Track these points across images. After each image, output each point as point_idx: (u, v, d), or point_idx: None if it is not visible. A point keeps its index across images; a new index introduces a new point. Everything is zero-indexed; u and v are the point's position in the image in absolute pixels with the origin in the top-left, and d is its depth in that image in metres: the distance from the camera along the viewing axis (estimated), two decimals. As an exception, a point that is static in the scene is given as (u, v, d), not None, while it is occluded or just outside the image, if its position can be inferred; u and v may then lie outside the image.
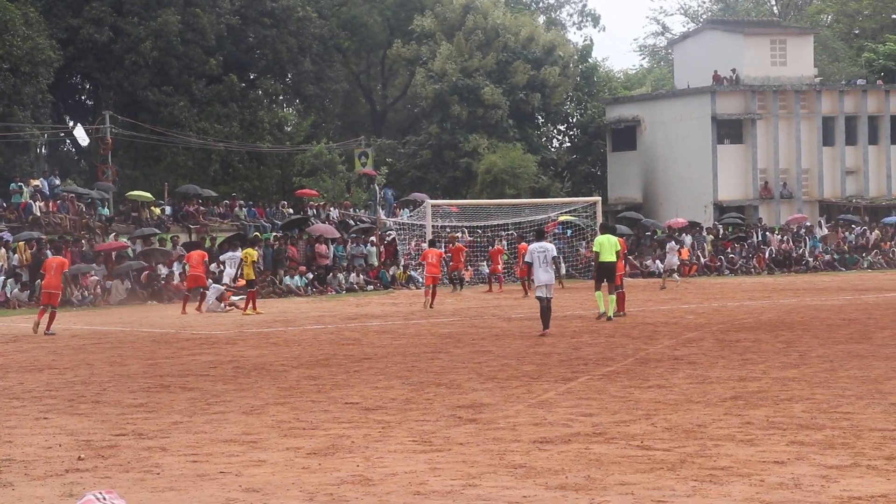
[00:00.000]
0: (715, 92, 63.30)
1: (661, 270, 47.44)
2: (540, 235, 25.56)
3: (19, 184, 44.97)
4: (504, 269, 46.04)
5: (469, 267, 47.80)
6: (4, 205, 44.24)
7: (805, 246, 57.47)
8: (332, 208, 53.93)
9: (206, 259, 35.63)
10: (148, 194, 48.88)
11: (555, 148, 73.75)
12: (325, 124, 71.23)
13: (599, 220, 47.58)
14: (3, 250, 39.55)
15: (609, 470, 10.08)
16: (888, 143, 66.16)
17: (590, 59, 74.47)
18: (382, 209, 54.19)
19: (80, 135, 53.18)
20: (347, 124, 75.54)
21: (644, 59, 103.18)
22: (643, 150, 67.12)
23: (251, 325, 28.41)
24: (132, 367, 19.27)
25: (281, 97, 68.51)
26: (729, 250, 55.46)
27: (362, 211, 55.88)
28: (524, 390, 15.30)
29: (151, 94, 57.21)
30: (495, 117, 64.67)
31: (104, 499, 3.90)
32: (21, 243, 39.91)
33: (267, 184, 61.33)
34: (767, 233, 58.14)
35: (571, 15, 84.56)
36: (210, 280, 36.50)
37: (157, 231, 45.14)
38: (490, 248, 47.53)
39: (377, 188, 55.96)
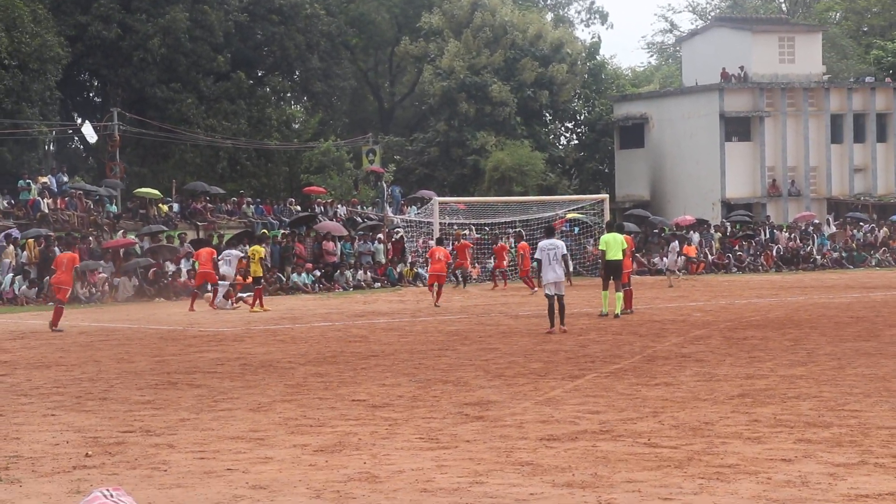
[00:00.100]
0: (723, 89, 63.23)
1: (667, 269, 47.42)
2: (550, 232, 25.43)
3: (27, 181, 45.03)
4: (510, 265, 46.02)
5: (476, 264, 47.80)
6: (13, 202, 44.31)
7: (813, 244, 57.38)
8: (339, 205, 53.96)
9: (216, 256, 35.61)
10: (156, 191, 48.96)
11: (562, 145, 73.74)
12: (333, 121, 71.30)
13: (607, 217, 47.59)
14: (12, 247, 39.60)
15: (616, 467, 10.07)
16: (896, 140, 66.12)
17: (598, 57, 74.44)
18: (390, 206, 54.21)
19: (88, 132, 53.25)
20: (355, 121, 75.60)
21: (652, 56, 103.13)
22: (651, 147, 67.06)
23: (258, 322, 28.42)
24: (139, 363, 19.29)
25: (289, 94, 68.59)
26: (737, 248, 55.41)
27: (370, 208, 55.89)
28: (531, 388, 15.29)
29: (159, 91, 57.28)
30: (503, 114, 64.65)
31: (111, 496, 3.89)
32: (30, 240, 39.96)
33: (274, 181, 61.39)
34: (775, 230, 58.08)
35: (579, 12, 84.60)
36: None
37: (165, 228, 45.20)
38: (494, 245, 47.54)
39: (385, 185, 55.98)
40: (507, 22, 67.78)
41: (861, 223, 60.76)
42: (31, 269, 39.13)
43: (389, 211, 53.58)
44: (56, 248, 38.87)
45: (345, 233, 48.03)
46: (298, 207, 52.89)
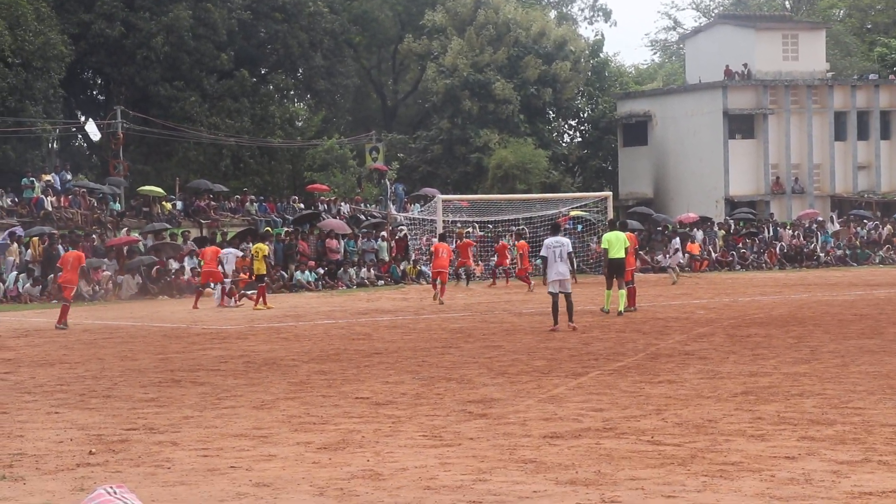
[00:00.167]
0: (726, 87, 63.18)
1: (668, 266, 47.43)
2: (556, 230, 25.33)
3: (31, 179, 45.06)
4: (511, 264, 46.05)
5: (479, 262, 47.80)
6: (16, 199, 44.33)
7: (816, 241, 57.33)
8: (343, 203, 53.97)
9: (221, 255, 35.53)
10: (159, 189, 48.97)
11: (566, 143, 73.70)
12: (336, 119, 71.31)
13: (610, 215, 47.56)
14: (16, 245, 39.63)
15: (619, 465, 10.07)
16: (900, 137, 66.07)
17: (601, 54, 74.41)
18: (393, 204, 54.21)
19: (92, 130, 53.31)
20: (358, 119, 75.61)
21: (655, 53, 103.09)
22: (654, 145, 67.03)
23: (262, 320, 28.43)
24: (143, 361, 19.30)
25: (292, 92, 68.58)
26: (740, 245, 55.37)
27: (373, 206, 55.90)
28: (534, 385, 15.29)
29: (163, 89, 57.30)
30: (506, 112, 64.64)
31: (115, 493, 3.89)
32: (34, 238, 39.99)
33: (278, 179, 61.40)
34: (779, 228, 58.04)
35: (583, 10, 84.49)
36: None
37: (168, 226, 45.22)
38: (495, 244, 47.57)
39: (388, 183, 55.98)
40: (511, 19, 67.76)
41: (865, 220, 60.70)
42: (35, 267, 39.15)
43: (393, 209, 53.58)
44: (59, 246, 38.92)
45: (348, 230, 48.05)
46: (302, 205, 52.88)
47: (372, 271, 45.63)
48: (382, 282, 45.30)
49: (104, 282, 38.99)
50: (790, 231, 57.83)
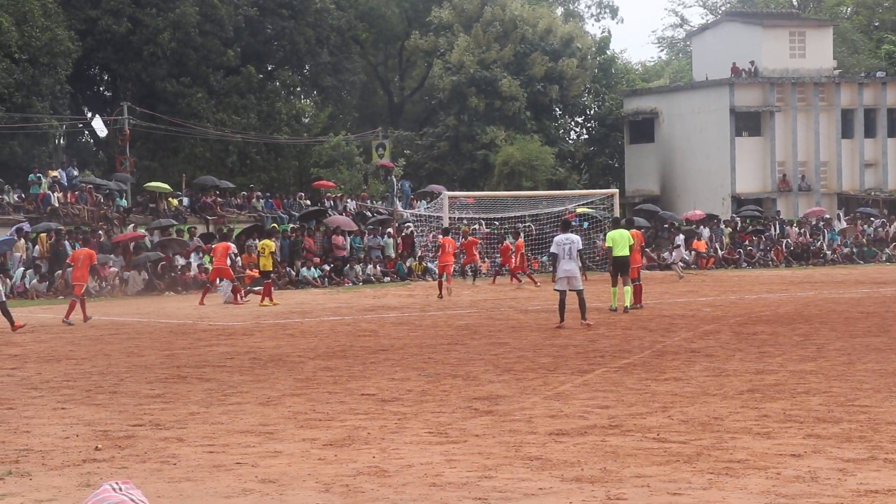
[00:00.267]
0: (733, 84, 63.12)
1: (673, 263, 47.44)
2: (566, 227, 25.22)
3: (38, 175, 45.11)
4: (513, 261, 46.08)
5: (486, 259, 47.80)
6: (23, 195, 44.38)
7: (823, 239, 57.26)
8: (349, 200, 53.99)
9: (231, 251, 35.32)
10: (165, 185, 49.00)
11: (572, 140, 73.72)
12: (343, 116, 71.32)
13: (617, 212, 47.53)
14: (23, 241, 39.67)
15: (625, 462, 10.07)
16: (907, 135, 65.98)
17: (608, 51, 74.37)
18: (399, 201, 54.22)
19: (99, 126, 53.38)
20: (365, 116, 75.63)
21: (662, 51, 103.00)
22: (661, 142, 66.99)
23: (268, 317, 28.45)
24: (149, 357, 19.32)
25: (298, 88, 68.63)
26: (747, 243, 55.31)
27: (379, 202, 55.90)
28: (540, 382, 15.29)
29: (169, 85, 57.34)
30: (513, 109, 64.63)
31: (120, 489, 3.89)
32: (41, 234, 40.04)
33: (284, 175, 61.42)
34: (785, 225, 57.98)
35: (589, 6, 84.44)
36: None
37: (175, 222, 45.23)
38: (499, 245, 47.62)
39: (394, 180, 55.99)
40: (517, 16, 67.74)
41: (872, 218, 60.60)
42: (42, 263, 39.19)
43: (399, 205, 53.58)
44: (66, 242, 38.97)
45: (354, 227, 48.04)
46: (308, 202, 52.91)
47: (378, 268, 45.62)
48: (388, 278, 45.29)
49: (111, 278, 39.03)
50: (797, 229, 57.77)
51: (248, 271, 37.06)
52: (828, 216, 60.33)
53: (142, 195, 48.96)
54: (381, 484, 9.43)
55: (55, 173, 46.21)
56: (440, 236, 39.22)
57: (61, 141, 60.58)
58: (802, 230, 57.75)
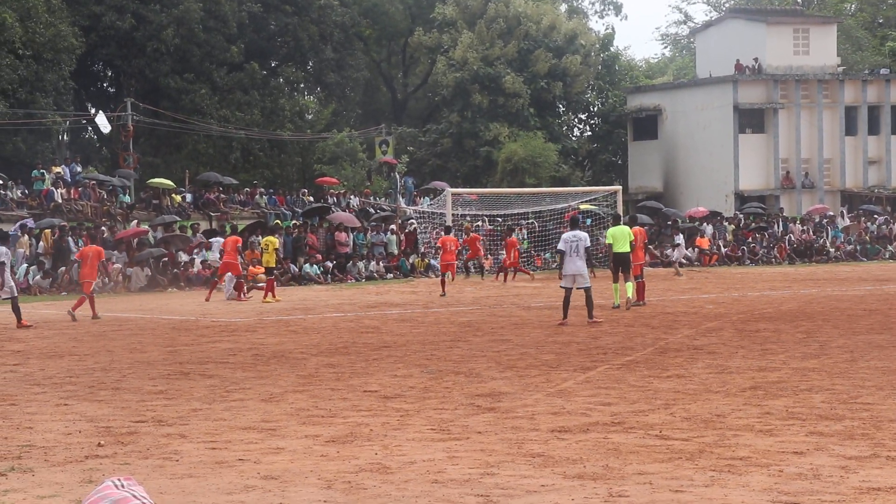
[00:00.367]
0: (737, 81, 63.09)
1: (674, 260, 47.45)
2: (574, 224, 25.13)
3: (41, 171, 45.13)
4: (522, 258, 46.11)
5: (489, 255, 47.82)
6: (27, 191, 44.42)
7: (826, 236, 57.25)
8: (352, 196, 54.00)
9: (240, 245, 35.20)
10: (169, 182, 49.04)
11: (576, 137, 73.69)
12: (346, 112, 71.35)
13: (620, 209, 47.53)
14: (26, 237, 39.70)
15: (627, 459, 10.07)
16: (911, 132, 65.94)
17: (611, 48, 74.36)
18: (403, 197, 54.22)
19: (102, 122, 53.40)
20: (368, 112, 75.64)
21: (666, 47, 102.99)
22: (664, 139, 66.97)
23: (270, 313, 28.46)
24: (152, 354, 19.33)
25: (302, 85, 68.65)
26: (750, 240, 55.30)
27: (383, 199, 55.91)
28: (543, 379, 15.29)
29: (173, 81, 57.36)
30: (516, 106, 64.61)
31: (122, 485, 3.89)
32: (46, 231, 40.07)
33: (287, 172, 61.45)
34: (789, 223, 57.96)
35: (593, 3, 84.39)
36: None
37: (178, 218, 45.27)
38: (506, 239, 47.64)
39: (398, 176, 56.00)
40: (521, 13, 67.71)
41: (875, 216, 60.58)
42: (46, 259, 39.21)
43: (402, 202, 53.59)
44: (69, 239, 38.98)
45: (357, 224, 48.05)
46: (311, 198, 52.93)
47: (381, 265, 45.63)
48: (391, 275, 45.31)
49: (114, 274, 39.05)
50: (800, 226, 57.75)
51: (251, 268, 37.06)
52: (831, 213, 60.31)
53: (145, 191, 48.98)
54: (383, 480, 9.44)
55: (58, 169, 46.25)
56: (443, 234, 39.26)
57: (65, 137, 60.62)
58: (805, 227, 57.72)
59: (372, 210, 53.04)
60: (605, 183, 62.94)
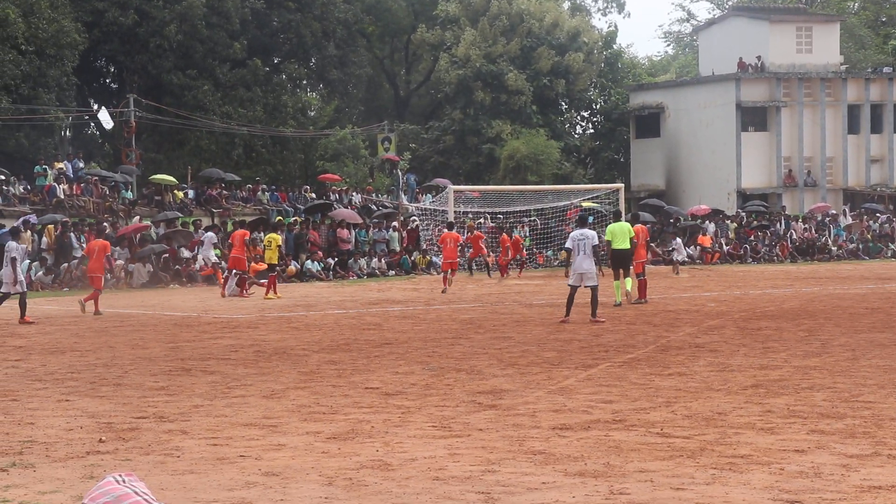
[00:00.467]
0: (740, 79, 63.05)
1: (675, 259, 47.46)
2: (582, 223, 25.03)
3: (44, 166, 45.14)
4: (526, 254, 46.11)
5: (491, 253, 47.82)
6: (29, 187, 44.43)
7: (829, 234, 57.24)
8: (354, 193, 53.99)
9: (247, 238, 35.11)
10: (171, 178, 49.04)
11: (578, 134, 73.65)
12: (349, 109, 71.35)
13: (622, 207, 47.52)
14: (29, 233, 39.69)
15: (628, 457, 10.07)
16: (914, 131, 65.88)
17: (614, 46, 74.29)
18: (405, 194, 54.21)
19: (105, 118, 53.40)
20: (371, 109, 75.63)
21: (669, 45, 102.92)
22: (667, 137, 66.93)
23: (272, 310, 28.47)
24: (154, 350, 19.34)
25: (304, 82, 68.63)
26: (752, 238, 55.29)
27: (385, 196, 55.90)
28: (544, 377, 15.29)
29: (175, 77, 57.36)
30: (519, 103, 64.59)
31: (124, 481, 3.90)
32: (49, 227, 40.09)
33: (290, 168, 61.45)
34: (791, 221, 57.95)
35: (596, 1, 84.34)
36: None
37: (180, 215, 45.27)
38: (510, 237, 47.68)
39: (400, 173, 55.98)
40: (524, 10, 67.68)
41: (877, 214, 60.56)
42: (49, 255, 39.22)
43: (404, 199, 53.58)
44: (72, 235, 39.00)
45: (359, 220, 48.05)
46: (313, 195, 52.92)
47: (383, 261, 45.65)
48: (393, 272, 45.33)
49: (116, 270, 39.06)
50: (802, 224, 57.75)
51: (253, 264, 37.08)
52: (833, 212, 60.28)
53: (147, 187, 48.99)
54: (384, 477, 9.44)
55: (61, 165, 46.25)
56: (444, 230, 39.25)
57: (67, 133, 60.56)
58: (808, 225, 57.72)
59: (374, 207, 53.03)
60: (607, 181, 62.89)
